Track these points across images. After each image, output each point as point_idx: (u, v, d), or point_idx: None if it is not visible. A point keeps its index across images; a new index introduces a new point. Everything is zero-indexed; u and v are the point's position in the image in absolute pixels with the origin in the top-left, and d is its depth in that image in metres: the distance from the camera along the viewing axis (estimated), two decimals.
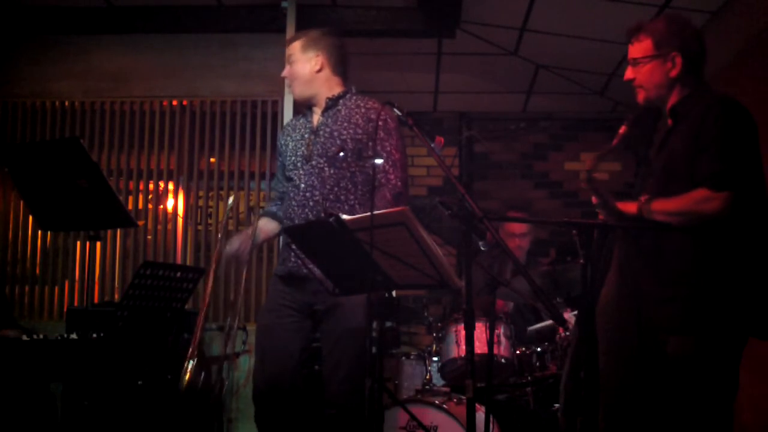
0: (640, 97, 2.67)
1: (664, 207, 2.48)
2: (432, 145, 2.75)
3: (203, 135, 5.26)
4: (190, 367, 3.00)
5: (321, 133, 3.19)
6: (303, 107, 3.40)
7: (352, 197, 3.14)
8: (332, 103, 3.24)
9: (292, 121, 3.45)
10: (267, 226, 3.36)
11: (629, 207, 2.55)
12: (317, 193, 3.13)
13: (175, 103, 5.32)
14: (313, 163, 3.16)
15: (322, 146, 3.16)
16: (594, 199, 2.60)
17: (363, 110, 3.19)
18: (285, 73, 3.30)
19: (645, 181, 2.62)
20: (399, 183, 3.13)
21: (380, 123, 3.13)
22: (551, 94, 6.47)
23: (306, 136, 3.22)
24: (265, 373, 3.15)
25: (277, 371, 3.13)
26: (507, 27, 5.23)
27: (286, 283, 3.18)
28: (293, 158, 3.23)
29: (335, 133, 3.16)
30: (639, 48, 2.64)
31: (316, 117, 3.26)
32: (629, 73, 2.68)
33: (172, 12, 5.15)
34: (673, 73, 2.61)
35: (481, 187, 6.92)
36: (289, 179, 3.24)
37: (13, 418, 3.57)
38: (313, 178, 3.14)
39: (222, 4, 5.14)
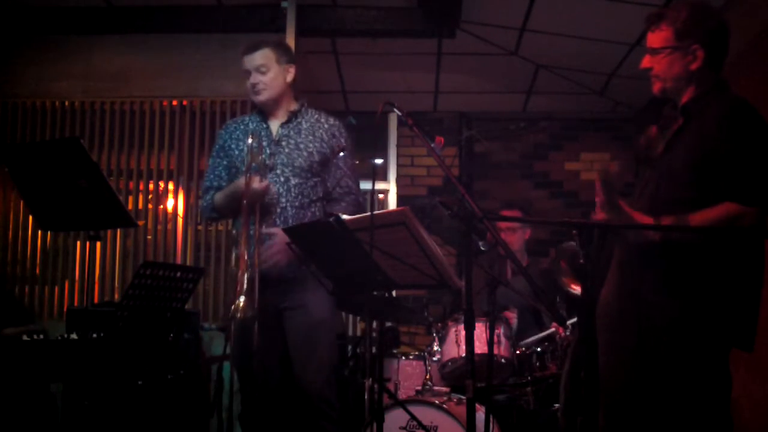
0: (656, 87, 2.55)
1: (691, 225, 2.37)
2: (432, 145, 2.76)
3: (203, 135, 5.27)
4: (242, 300, 2.97)
5: (284, 144, 3.28)
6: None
7: (314, 207, 3.25)
8: (292, 116, 3.32)
9: (237, 124, 3.43)
10: None
11: (644, 220, 2.42)
12: (283, 200, 3.21)
13: (175, 103, 5.32)
14: (278, 172, 3.23)
15: (288, 157, 3.25)
16: (600, 199, 2.50)
17: (326, 126, 3.33)
18: (256, 80, 3.27)
19: (648, 182, 2.58)
20: (360, 197, 3.37)
21: (342, 141, 3.31)
22: (551, 94, 6.47)
23: (264, 143, 3.26)
24: (246, 378, 3.19)
25: (258, 374, 3.17)
26: (507, 27, 5.23)
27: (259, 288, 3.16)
28: (253, 164, 3.23)
29: (301, 145, 3.27)
30: (659, 37, 2.50)
31: (275, 127, 3.31)
32: (646, 62, 2.54)
33: (172, 12, 5.16)
34: (694, 66, 2.47)
35: (481, 187, 6.92)
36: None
37: (13, 418, 3.57)
38: (277, 186, 3.22)
39: (222, 4, 5.14)
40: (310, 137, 3.28)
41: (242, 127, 3.39)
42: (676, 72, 2.50)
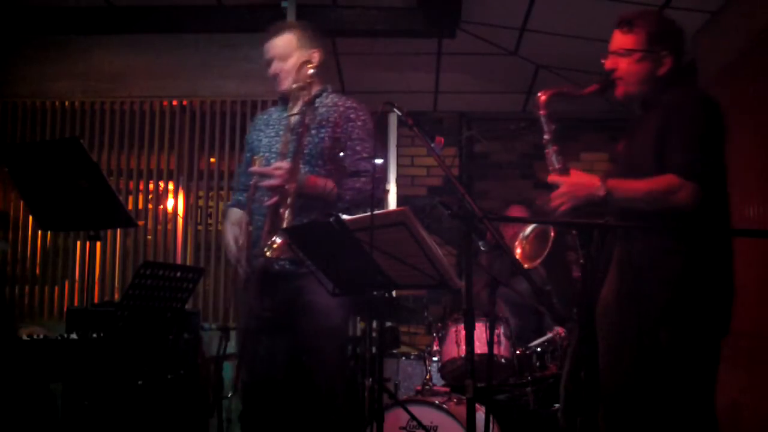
0: (620, 91, 2.65)
1: (627, 191, 2.46)
2: (432, 145, 2.75)
3: (203, 135, 5.27)
4: (278, 240, 2.82)
5: (300, 131, 3.13)
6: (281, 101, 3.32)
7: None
8: (310, 103, 3.18)
9: (262, 115, 3.37)
10: (238, 216, 3.25)
11: (590, 180, 2.51)
12: None
13: (175, 103, 5.32)
14: (287, 160, 3.07)
15: (297, 144, 3.10)
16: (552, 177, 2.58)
17: (341, 109, 3.17)
18: (277, 69, 3.18)
19: (615, 175, 2.61)
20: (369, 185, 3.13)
21: (359, 123, 3.14)
22: None
23: (281, 132, 3.16)
24: (249, 377, 3.12)
25: (261, 374, 3.11)
26: (507, 27, 5.24)
27: (260, 283, 3.09)
28: (267, 154, 3.16)
29: (313, 132, 3.13)
30: (630, 39, 2.60)
31: (292, 117, 3.19)
32: (611, 63, 2.65)
33: (172, 12, 5.15)
34: (661, 72, 2.59)
35: (481, 187, 6.92)
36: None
37: (13, 418, 3.57)
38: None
39: (222, 4, 5.14)
40: (323, 122, 3.14)
41: (265, 117, 3.31)
42: (643, 75, 2.60)
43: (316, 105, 3.18)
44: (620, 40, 2.63)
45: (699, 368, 2.44)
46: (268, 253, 2.85)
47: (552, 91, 2.71)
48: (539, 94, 2.69)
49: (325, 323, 3.06)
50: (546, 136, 2.70)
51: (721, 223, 2.51)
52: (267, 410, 3.14)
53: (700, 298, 2.42)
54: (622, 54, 2.61)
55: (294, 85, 3.15)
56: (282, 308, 3.10)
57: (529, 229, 2.92)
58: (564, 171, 2.62)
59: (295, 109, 3.18)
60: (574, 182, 2.54)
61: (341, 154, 3.12)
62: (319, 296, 2.93)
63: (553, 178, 2.59)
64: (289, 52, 3.19)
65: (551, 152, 2.68)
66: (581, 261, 2.31)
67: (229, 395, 3.29)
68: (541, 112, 2.70)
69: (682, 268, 2.42)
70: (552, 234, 2.76)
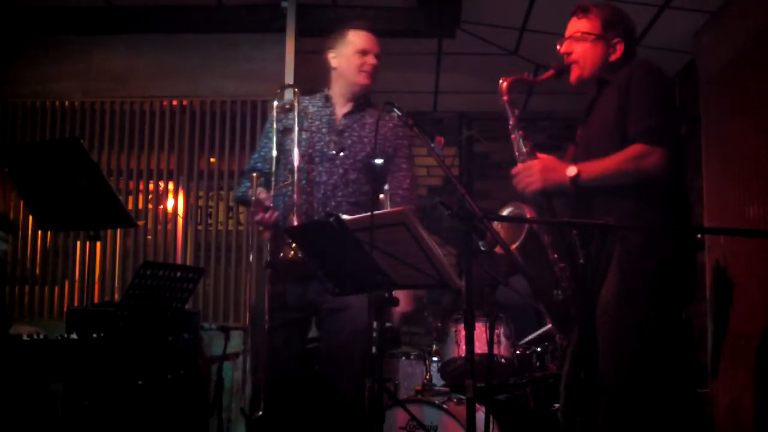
0: (574, 75, 2.74)
1: (597, 169, 2.51)
2: (432, 145, 2.76)
3: (203, 135, 5.27)
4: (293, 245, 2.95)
5: (347, 135, 3.15)
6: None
7: (368, 205, 3.12)
8: (358, 108, 3.21)
9: (308, 102, 3.21)
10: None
11: (559, 164, 2.59)
12: (339, 194, 3.10)
13: (175, 103, 5.32)
14: (337, 162, 3.11)
15: (351, 149, 3.13)
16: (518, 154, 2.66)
17: (390, 125, 3.20)
18: (376, 63, 3.18)
19: (576, 157, 2.67)
20: (418, 202, 3.29)
21: (406, 142, 3.22)
22: (551, 94, 6.47)
23: (325, 131, 3.14)
24: (273, 376, 3.08)
25: (282, 373, 3.09)
26: (507, 27, 5.23)
27: (290, 281, 3.10)
28: (309, 150, 3.12)
29: (365, 140, 3.15)
30: (586, 24, 2.72)
31: (339, 117, 3.19)
32: (566, 47, 2.76)
33: (172, 12, 5.15)
34: (613, 57, 2.69)
35: (481, 187, 6.92)
36: (294, 169, 3.11)
37: (13, 417, 3.57)
38: (335, 178, 3.10)
39: (222, 4, 5.14)
40: (374, 133, 3.13)
41: (299, 107, 3.18)
42: (597, 59, 2.71)
43: (363, 113, 3.21)
44: (576, 25, 2.75)
45: (683, 341, 2.57)
46: (291, 254, 2.93)
47: (513, 77, 2.80)
48: (501, 81, 2.77)
49: (356, 326, 3.03)
50: (511, 122, 2.74)
51: (681, 190, 2.60)
52: (289, 410, 3.10)
53: (683, 279, 2.54)
54: (578, 38, 2.73)
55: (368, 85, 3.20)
56: (309, 308, 3.09)
57: (503, 213, 2.96)
58: (531, 155, 2.66)
59: (344, 109, 3.20)
60: (543, 165, 2.60)
61: (376, 160, 3.17)
62: (352, 299, 2.92)
63: (520, 167, 2.65)
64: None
65: (517, 137, 2.72)
66: (581, 261, 2.31)
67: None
68: (504, 98, 2.76)
69: (671, 258, 2.50)
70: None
